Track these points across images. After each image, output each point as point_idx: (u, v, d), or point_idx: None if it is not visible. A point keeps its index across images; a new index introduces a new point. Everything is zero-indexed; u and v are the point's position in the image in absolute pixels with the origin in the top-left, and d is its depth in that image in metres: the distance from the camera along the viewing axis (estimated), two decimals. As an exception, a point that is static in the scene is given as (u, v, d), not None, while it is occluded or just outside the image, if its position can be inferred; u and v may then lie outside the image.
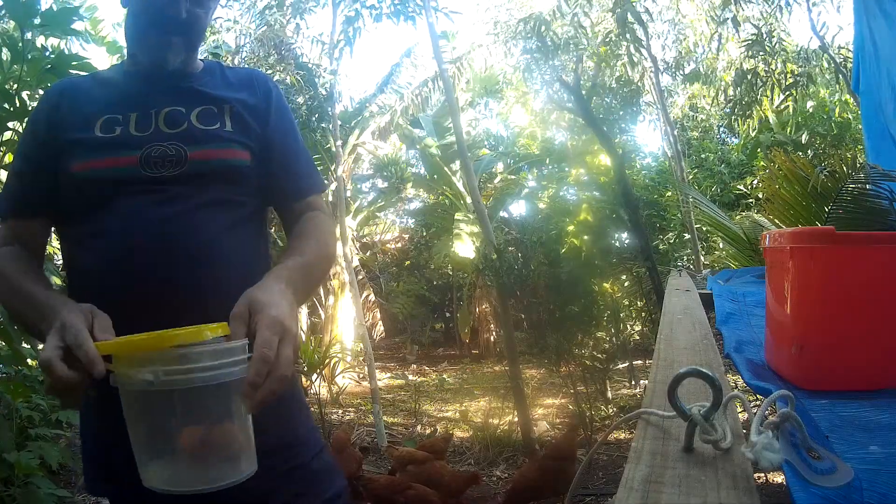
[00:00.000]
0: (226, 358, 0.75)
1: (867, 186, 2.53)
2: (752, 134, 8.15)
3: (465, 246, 7.93)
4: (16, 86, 2.19)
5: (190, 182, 1.03)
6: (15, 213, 1.10)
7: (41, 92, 2.27)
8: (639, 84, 7.24)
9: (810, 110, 8.63)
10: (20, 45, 2.13)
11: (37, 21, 2.13)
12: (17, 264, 1.03)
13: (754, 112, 7.20)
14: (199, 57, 1.20)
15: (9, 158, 2.49)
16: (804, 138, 8.65)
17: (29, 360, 2.74)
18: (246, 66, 6.90)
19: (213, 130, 1.08)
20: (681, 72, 8.88)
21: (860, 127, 4.05)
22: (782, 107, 6.89)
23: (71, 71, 2.24)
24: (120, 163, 1.02)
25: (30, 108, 2.27)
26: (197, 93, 1.12)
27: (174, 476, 0.77)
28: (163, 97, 1.09)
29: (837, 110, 8.35)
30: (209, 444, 0.78)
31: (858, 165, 2.66)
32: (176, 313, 0.91)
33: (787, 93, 6.13)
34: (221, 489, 0.75)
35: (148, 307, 0.95)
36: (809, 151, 8.43)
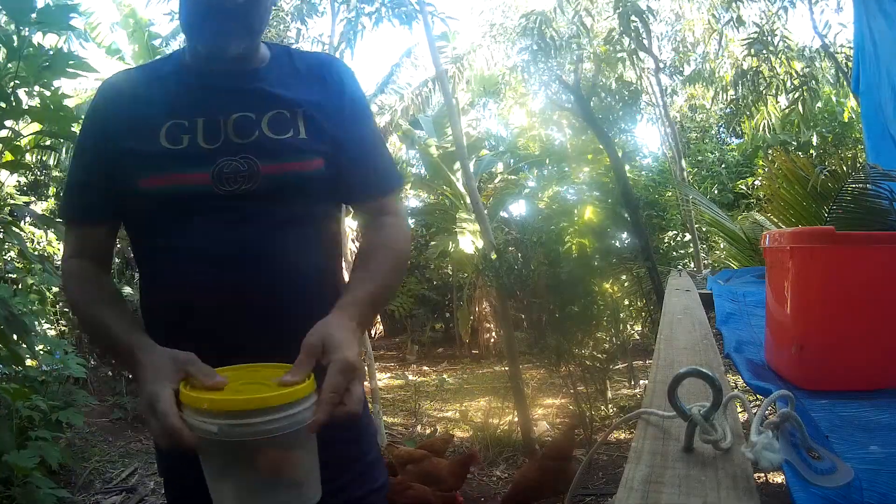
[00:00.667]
0: (295, 409, 0.75)
1: (867, 186, 2.52)
2: (759, 134, 8.15)
3: (466, 240, 7.92)
4: (12, 84, 2.18)
5: (263, 198, 0.98)
6: (80, 221, 1.07)
7: (38, 89, 2.26)
8: (639, 84, 7.24)
9: (818, 112, 8.62)
10: (16, 42, 2.12)
11: (33, 17, 2.11)
12: (88, 287, 1.01)
13: (758, 112, 7.19)
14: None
15: (7, 156, 2.48)
16: (814, 139, 8.65)
17: (28, 361, 2.74)
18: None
19: (286, 140, 1.01)
20: (679, 73, 8.87)
21: (860, 127, 4.05)
22: (790, 109, 6.87)
23: (68, 70, 2.23)
24: (190, 180, 0.97)
25: (26, 107, 2.27)
26: (267, 95, 1.03)
27: (242, 500, 0.78)
28: (230, 100, 1.01)
29: (846, 114, 8.33)
30: (276, 470, 0.78)
31: (858, 165, 2.66)
32: (249, 333, 0.96)
33: (797, 94, 6.11)
34: None
35: (222, 326, 0.96)
36: (813, 152, 8.43)
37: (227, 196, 0.97)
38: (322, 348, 0.83)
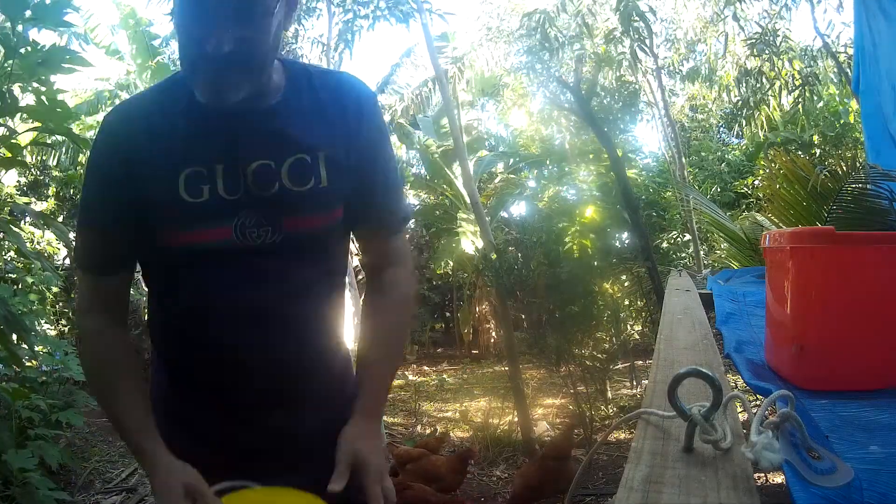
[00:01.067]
0: None
1: (867, 186, 2.53)
2: (762, 135, 8.15)
3: (467, 241, 7.92)
4: (7, 81, 2.16)
5: (284, 253, 0.97)
6: (94, 270, 1.02)
7: (35, 86, 2.24)
8: (639, 83, 7.24)
9: (818, 112, 8.62)
10: (13, 39, 2.10)
11: (28, 14, 2.09)
12: (104, 359, 1.01)
13: (761, 112, 7.19)
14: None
15: (6, 153, 2.48)
16: (816, 139, 8.65)
17: (28, 362, 2.74)
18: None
19: (307, 191, 0.96)
20: (679, 72, 8.87)
21: (860, 127, 4.05)
22: (791, 109, 6.88)
23: (64, 65, 2.21)
24: (212, 236, 0.94)
25: (21, 104, 2.25)
26: (286, 137, 0.95)
27: None
28: (250, 143, 0.94)
29: (852, 116, 8.34)
30: None
31: (858, 165, 2.66)
32: (264, 393, 1.00)
33: (798, 93, 6.11)
34: None
35: (234, 381, 1.00)
36: (816, 151, 8.42)
37: (249, 251, 0.95)
38: (354, 459, 0.93)
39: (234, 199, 0.94)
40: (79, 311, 1.05)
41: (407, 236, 1.20)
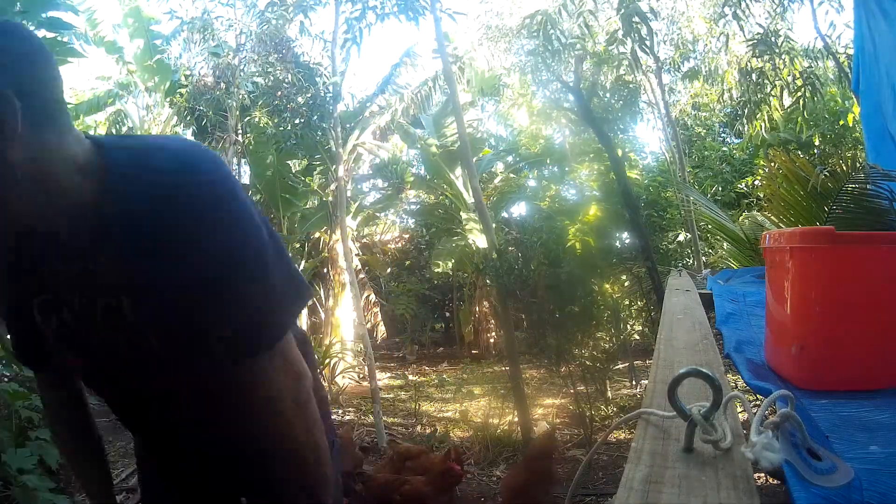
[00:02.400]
0: None
1: (867, 186, 2.52)
2: (764, 135, 8.15)
3: (477, 240, 7.91)
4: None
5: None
6: (30, 366, 1.01)
7: None
8: (638, 83, 7.23)
9: (819, 112, 8.61)
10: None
11: (17, 8, 2.09)
12: (63, 437, 1.08)
13: (762, 112, 7.19)
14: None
15: None
16: (817, 139, 8.65)
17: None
18: (247, 66, 6.89)
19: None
20: (678, 71, 8.87)
21: (860, 127, 4.05)
22: (792, 108, 6.87)
23: (56, 57, 2.20)
24: (77, 363, 0.95)
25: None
26: (90, 279, 0.81)
27: None
28: (71, 280, 0.84)
29: (850, 116, 8.33)
30: None
31: (858, 165, 2.66)
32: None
33: (798, 93, 6.11)
34: None
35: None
36: (815, 151, 8.42)
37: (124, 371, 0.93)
38: None
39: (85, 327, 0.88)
40: (38, 385, 1.08)
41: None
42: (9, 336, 0.99)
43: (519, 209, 9.22)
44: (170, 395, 0.96)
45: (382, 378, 7.79)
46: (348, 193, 8.20)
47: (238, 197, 0.80)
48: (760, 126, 7.32)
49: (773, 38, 6.28)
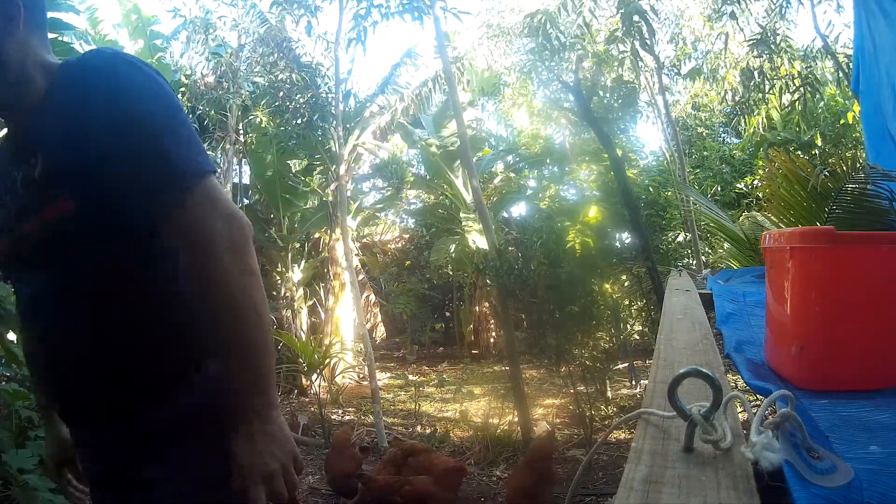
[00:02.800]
0: None
1: (867, 186, 2.52)
2: (763, 133, 8.15)
3: (477, 240, 7.92)
4: None
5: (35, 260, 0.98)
6: None
7: None
8: (638, 83, 7.23)
9: (819, 110, 8.61)
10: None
11: None
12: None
13: (760, 111, 7.19)
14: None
15: None
16: (818, 139, 8.65)
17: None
18: (247, 66, 6.89)
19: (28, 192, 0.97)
20: (678, 71, 8.87)
21: (860, 127, 4.05)
22: (791, 108, 6.88)
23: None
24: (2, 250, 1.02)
25: None
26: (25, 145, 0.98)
27: None
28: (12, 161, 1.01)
29: (850, 116, 8.34)
30: None
31: (858, 165, 2.66)
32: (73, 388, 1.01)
33: (797, 93, 6.11)
34: None
35: (48, 370, 1.05)
36: (816, 152, 8.42)
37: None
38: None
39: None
40: None
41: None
42: None
43: (519, 209, 9.22)
44: (89, 266, 0.95)
45: (382, 378, 7.79)
46: (348, 193, 8.20)
47: (142, 70, 0.95)
48: (758, 123, 7.32)
49: (771, 38, 6.28)
